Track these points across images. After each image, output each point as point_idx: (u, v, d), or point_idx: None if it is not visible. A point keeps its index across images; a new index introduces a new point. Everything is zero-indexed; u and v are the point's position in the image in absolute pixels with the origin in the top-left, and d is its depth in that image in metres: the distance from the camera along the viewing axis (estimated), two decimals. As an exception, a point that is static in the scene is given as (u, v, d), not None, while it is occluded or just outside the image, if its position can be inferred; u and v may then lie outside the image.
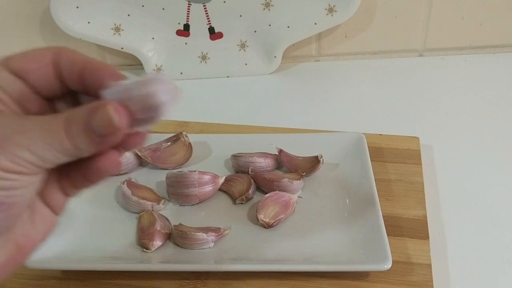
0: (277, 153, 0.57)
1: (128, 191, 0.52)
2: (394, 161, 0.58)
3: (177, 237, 0.49)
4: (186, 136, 0.58)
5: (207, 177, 0.53)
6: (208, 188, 0.53)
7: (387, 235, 0.47)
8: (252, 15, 0.72)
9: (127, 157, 0.57)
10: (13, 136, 0.28)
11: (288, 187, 0.53)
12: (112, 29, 0.72)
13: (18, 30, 0.75)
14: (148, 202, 0.52)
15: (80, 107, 0.29)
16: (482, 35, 0.77)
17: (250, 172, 0.55)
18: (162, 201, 0.53)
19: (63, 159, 0.29)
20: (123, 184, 0.53)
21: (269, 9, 0.72)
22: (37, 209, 0.31)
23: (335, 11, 0.71)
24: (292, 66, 0.78)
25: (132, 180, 0.55)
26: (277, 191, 0.53)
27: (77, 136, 0.28)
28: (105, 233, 0.51)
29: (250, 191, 0.54)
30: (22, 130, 0.28)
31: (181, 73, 0.76)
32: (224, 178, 0.54)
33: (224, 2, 0.71)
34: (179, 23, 0.73)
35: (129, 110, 0.29)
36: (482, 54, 0.78)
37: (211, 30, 0.73)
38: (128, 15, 0.72)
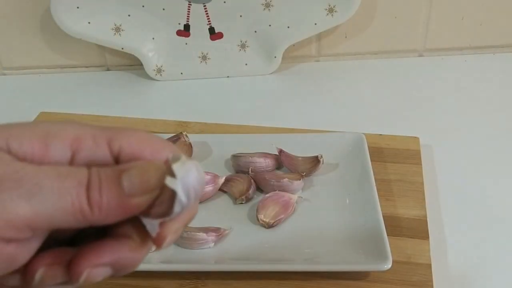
0: (277, 153, 0.57)
1: None
2: (394, 161, 0.58)
3: (177, 237, 0.49)
4: (186, 136, 0.58)
5: (207, 177, 0.53)
6: (209, 188, 0.53)
7: (387, 235, 0.47)
8: (252, 15, 0.72)
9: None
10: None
11: (288, 187, 0.53)
12: (113, 29, 0.72)
13: (18, 30, 0.75)
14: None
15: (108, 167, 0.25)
16: (482, 35, 0.77)
17: (250, 172, 0.55)
18: None
19: (70, 224, 0.24)
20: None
21: (269, 9, 0.72)
22: None
23: (335, 11, 0.71)
24: (292, 66, 0.78)
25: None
26: (277, 191, 0.53)
27: (100, 193, 0.24)
28: (105, 233, 0.51)
29: (250, 191, 0.54)
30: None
31: (181, 73, 0.76)
32: (224, 178, 0.54)
33: (224, 2, 0.71)
34: (179, 23, 0.73)
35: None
36: (482, 54, 0.78)
37: (211, 30, 0.73)
38: (129, 15, 0.72)
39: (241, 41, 0.74)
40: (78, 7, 0.70)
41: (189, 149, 0.58)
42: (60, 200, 0.23)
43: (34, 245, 0.24)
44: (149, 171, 0.24)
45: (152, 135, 0.26)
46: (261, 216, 0.51)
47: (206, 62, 0.75)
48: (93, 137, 0.25)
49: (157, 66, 0.75)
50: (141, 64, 0.75)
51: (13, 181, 0.23)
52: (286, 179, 0.54)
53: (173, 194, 0.24)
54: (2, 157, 0.23)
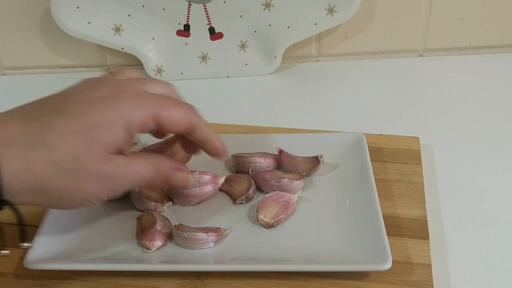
0: (277, 153, 0.57)
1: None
2: (394, 161, 0.58)
3: (177, 237, 0.49)
4: (186, 136, 0.58)
5: (207, 177, 0.53)
6: (209, 188, 0.53)
7: (387, 235, 0.47)
8: (252, 15, 0.72)
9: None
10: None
11: (288, 187, 0.53)
12: (113, 29, 0.72)
13: (18, 30, 0.75)
14: (151, 202, 0.52)
15: (165, 160, 0.45)
16: (482, 35, 0.77)
17: (250, 172, 0.55)
18: (167, 204, 0.53)
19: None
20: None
21: (269, 9, 0.72)
22: None
23: (335, 11, 0.71)
24: (292, 66, 0.78)
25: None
26: (277, 191, 0.53)
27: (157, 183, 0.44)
28: (105, 233, 0.51)
29: (250, 191, 0.54)
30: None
31: (181, 73, 0.76)
32: (224, 178, 0.54)
33: (224, 2, 0.71)
34: (179, 23, 0.73)
35: None
36: (482, 54, 0.78)
37: (211, 30, 0.74)
38: (129, 15, 0.72)
39: (241, 41, 0.74)
40: (78, 7, 0.70)
41: (189, 149, 0.58)
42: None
43: None
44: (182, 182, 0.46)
45: (181, 111, 0.44)
46: (261, 216, 0.51)
47: (206, 62, 0.75)
48: (146, 119, 0.42)
49: (157, 66, 0.75)
50: (141, 64, 0.75)
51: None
52: (286, 179, 0.54)
53: None
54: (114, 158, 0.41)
